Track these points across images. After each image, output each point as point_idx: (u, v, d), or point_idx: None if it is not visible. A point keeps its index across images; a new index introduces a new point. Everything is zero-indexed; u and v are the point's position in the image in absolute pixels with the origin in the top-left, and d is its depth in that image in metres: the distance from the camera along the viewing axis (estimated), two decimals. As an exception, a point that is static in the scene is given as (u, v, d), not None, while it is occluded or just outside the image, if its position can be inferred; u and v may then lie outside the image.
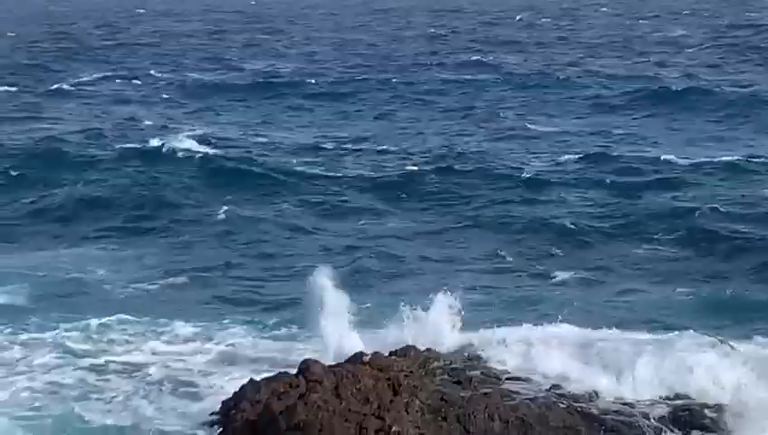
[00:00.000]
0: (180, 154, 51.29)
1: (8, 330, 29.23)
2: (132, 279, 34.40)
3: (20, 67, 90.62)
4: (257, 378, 22.89)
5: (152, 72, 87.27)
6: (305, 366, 22.20)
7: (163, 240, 39.40)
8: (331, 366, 22.45)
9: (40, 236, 40.30)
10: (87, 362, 27.12)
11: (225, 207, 42.25)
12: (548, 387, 23.31)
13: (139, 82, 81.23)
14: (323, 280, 26.73)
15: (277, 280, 34.15)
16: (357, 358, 23.06)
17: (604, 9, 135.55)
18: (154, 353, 27.58)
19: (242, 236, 38.99)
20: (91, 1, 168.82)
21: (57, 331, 28.93)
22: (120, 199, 44.18)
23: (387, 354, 23.53)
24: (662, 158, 49.84)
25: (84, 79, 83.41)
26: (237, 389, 22.69)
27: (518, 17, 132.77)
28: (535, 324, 26.75)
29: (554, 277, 34.57)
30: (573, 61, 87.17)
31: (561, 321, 26.88)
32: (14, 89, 76.96)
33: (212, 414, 23.05)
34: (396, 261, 36.33)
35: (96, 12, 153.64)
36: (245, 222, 40.67)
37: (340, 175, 48.48)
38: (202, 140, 55.35)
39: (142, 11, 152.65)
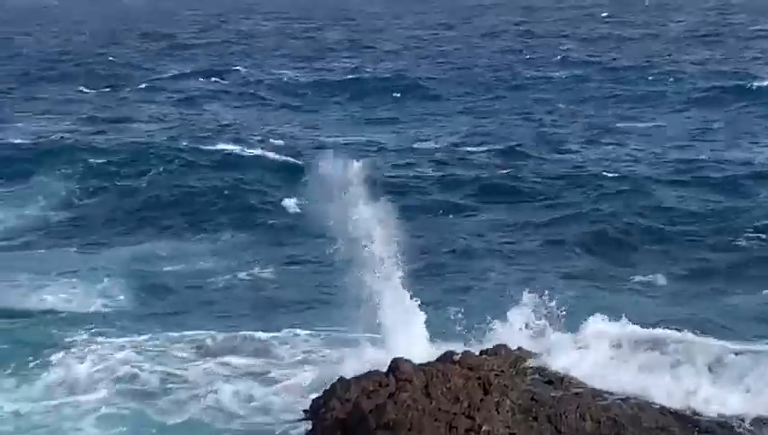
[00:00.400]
0: (266, 152, 51.45)
1: (100, 328, 29.40)
2: (220, 275, 34.65)
3: (111, 65, 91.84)
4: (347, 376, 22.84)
5: (241, 69, 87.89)
6: (395, 365, 22.07)
7: (248, 236, 39.51)
8: (420, 365, 22.32)
9: (129, 231, 40.79)
10: (174, 361, 27.18)
11: (306, 202, 42.32)
12: (639, 388, 22.94)
13: (227, 81, 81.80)
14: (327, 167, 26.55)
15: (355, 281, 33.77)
16: (447, 357, 22.91)
17: (695, 3, 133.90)
18: (237, 355, 27.55)
19: (323, 234, 38.82)
20: None
21: (147, 333, 29.04)
22: (207, 196, 44.51)
23: (477, 353, 23.35)
24: (757, 154, 49.02)
25: (173, 77, 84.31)
26: (327, 387, 22.67)
27: (604, 13, 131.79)
28: (623, 326, 26.34)
29: (644, 278, 33.94)
30: (664, 57, 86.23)
31: (650, 324, 26.45)
32: (106, 89, 77.94)
33: (303, 411, 23.05)
34: (478, 260, 35.91)
35: (187, 9, 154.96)
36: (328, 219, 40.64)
37: (425, 172, 48.29)
38: (288, 138, 55.52)
39: (233, 8, 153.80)
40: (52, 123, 62.62)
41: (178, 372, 26.64)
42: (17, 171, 48.71)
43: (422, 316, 26.07)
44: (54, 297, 31.88)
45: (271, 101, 71.60)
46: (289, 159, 50.37)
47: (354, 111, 66.89)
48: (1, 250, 38.30)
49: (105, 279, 33.53)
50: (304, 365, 26.83)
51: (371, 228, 26.68)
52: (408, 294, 26.18)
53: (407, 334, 25.47)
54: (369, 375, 22.42)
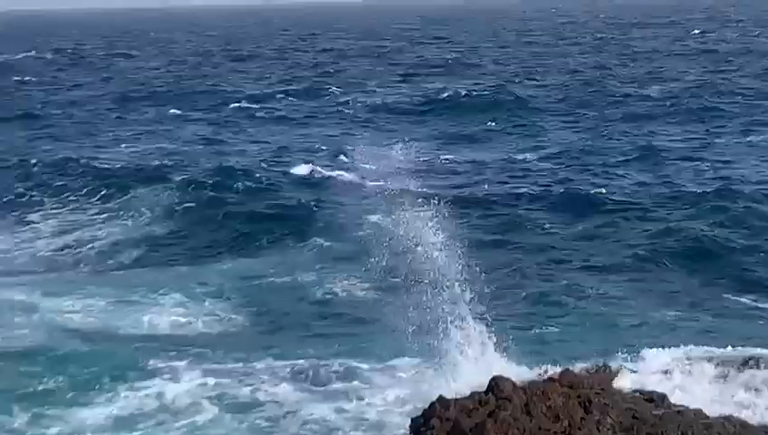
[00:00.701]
0: (354, 173, 51.51)
1: (201, 349, 29.35)
2: (319, 288, 34.68)
3: (204, 86, 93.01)
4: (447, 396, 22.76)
5: (333, 89, 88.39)
6: (494, 383, 21.97)
7: (342, 250, 39.25)
8: (520, 384, 22.18)
9: (230, 247, 41.20)
10: (268, 383, 26.98)
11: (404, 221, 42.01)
12: (742, 407, 22.60)
13: (319, 101, 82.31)
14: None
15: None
16: (546, 375, 22.78)
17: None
18: (332, 377, 27.40)
19: (419, 251, 38.60)
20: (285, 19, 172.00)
21: (247, 356, 28.80)
22: (300, 212, 44.61)
23: (577, 371, 23.18)
24: None
25: (266, 97, 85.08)
26: (426, 406, 22.60)
27: (697, 30, 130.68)
28: (724, 345, 25.96)
29: (746, 298, 32.88)
30: (760, 72, 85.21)
31: (754, 344, 26.01)
32: (200, 110, 78.83)
33: (408, 427, 23.00)
34: (570, 277, 35.33)
35: (279, 30, 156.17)
36: (429, 238, 40.38)
37: (521, 188, 48.07)
38: (381, 158, 55.55)
39: (327, 28, 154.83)
40: (149, 143, 63.58)
41: (274, 392, 26.54)
42: (117, 190, 49.45)
43: (498, 337, 25.79)
44: (160, 317, 32.07)
45: (364, 121, 71.83)
46: (379, 181, 50.36)
47: (449, 129, 66.87)
48: (110, 269, 39.04)
49: (209, 299, 33.66)
50: (397, 387, 26.66)
51: (421, 230, 26.62)
52: (478, 316, 25.91)
53: (481, 358, 25.29)
54: (470, 394, 22.34)
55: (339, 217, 43.75)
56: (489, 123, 68.03)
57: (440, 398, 22.11)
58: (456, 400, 21.90)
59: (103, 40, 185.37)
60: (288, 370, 27.70)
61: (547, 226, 42.22)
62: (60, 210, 47.30)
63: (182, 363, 27.82)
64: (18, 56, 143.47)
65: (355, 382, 26.89)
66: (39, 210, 47.28)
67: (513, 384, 21.86)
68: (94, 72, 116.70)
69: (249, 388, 26.51)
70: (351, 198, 46.95)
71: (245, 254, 39.90)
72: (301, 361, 28.17)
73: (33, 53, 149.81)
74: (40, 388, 26.20)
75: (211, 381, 26.82)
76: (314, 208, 45.03)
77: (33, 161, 56.48)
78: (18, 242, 42.87)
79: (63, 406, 25.24)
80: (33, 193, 49.74)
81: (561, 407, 21.28)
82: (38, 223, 45.52)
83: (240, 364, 27.91)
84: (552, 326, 30.22)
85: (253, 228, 43.02)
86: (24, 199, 49.06)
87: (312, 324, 31.78)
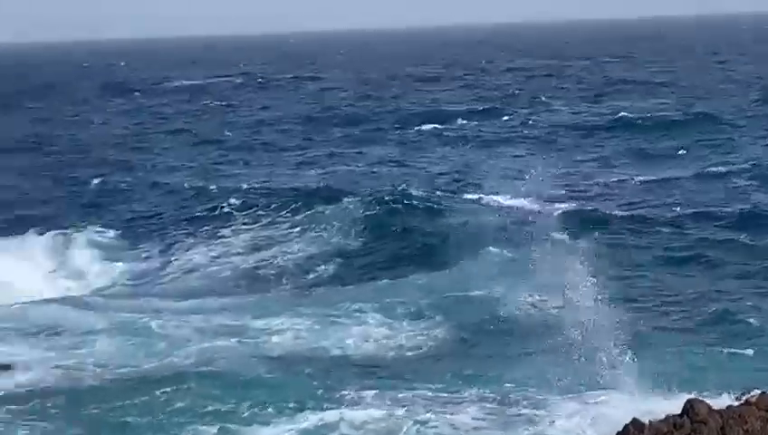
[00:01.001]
0: (542, 191, 50.98)
1: (390, 374, 29.17)
2: (504, 305, 34.36)
3: (386, 108, 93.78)
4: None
5: (518, 109, 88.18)
6: (690, 406, 21.52)
7: (522, 267, 38.88)
8: (716, 409, 21.66)
9: (416, 264, 41.19)
10: (449, 410, 26.42)
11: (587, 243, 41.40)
12: None
13: (501, 122, 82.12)
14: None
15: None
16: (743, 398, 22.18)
17: None
18: (512, 400, 27.05)
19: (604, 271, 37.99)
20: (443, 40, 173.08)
21: (437, 382, 28.36)
22: (480, 230, 44.17)
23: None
24: None
25: (450, 117, 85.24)
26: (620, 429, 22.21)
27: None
28: None
29: None
30: None
31: None
32: (382, 134, 79.41)
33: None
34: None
35: (460, 48, 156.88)
36: (612, 256, 39.69)
37: (714, 208, 46.97)
38: (566, 178, 55.09)
39: (505, 48, 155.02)
40: (336, 165, 64.31)
41: (458, 419, 26.16)
42: (303, 206, 49.90)
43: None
44: (363, 339, 32.06)
45: (549, 141, 71.39)
46: (563, 200, 49.79)
47: (637, 148, 66.03)
48: (309, 285, 39.88)
49: (408, 318, 33.61)
50: (585, 413, 26.10)
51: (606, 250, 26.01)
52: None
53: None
54: (665, 417, 21.89)
55: (523, 234, 43.30)
56: (678, 141, 66.83)
57: (634, 420, 21.73)
58: (651, 422, 21.48)
59: (292, 63, 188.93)
60: (476, 396, 27.38)
61: (738, 244, 41.15)
62: (251, 226, 48.10)
63: (371, 392, 27.45)
64: (210, 80, 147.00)
65: (541, 409, 26.47)
66: (230, 225, 48.19)
67: (709, 407, 21.36)
68: (282, 94, 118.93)
69: (436, 414, 26.20)
70: (536, 215, 46.59)
71: (436, 267, 39.83)
72: (489, 390, 27.79)
73: (224, 77, 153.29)
74: (222, 408, 26.37)
75: (400, 410, 26.50)
76: (498, 225, 44.70)
77: (222, 181, 57.88)
78: (214, 257, 44.04)
79: (243, 424, 25.41)
80: (224, 208, 50.66)
81: (759, 431, 20.74)
82: (229, 237, 46.49)
83: (428, 392, 27.64)
84: (746, 348, 29.31)
85: (439, 243, 43.17)
86: (215, 214, 50.05)
87: (503, 344, 31.41)
